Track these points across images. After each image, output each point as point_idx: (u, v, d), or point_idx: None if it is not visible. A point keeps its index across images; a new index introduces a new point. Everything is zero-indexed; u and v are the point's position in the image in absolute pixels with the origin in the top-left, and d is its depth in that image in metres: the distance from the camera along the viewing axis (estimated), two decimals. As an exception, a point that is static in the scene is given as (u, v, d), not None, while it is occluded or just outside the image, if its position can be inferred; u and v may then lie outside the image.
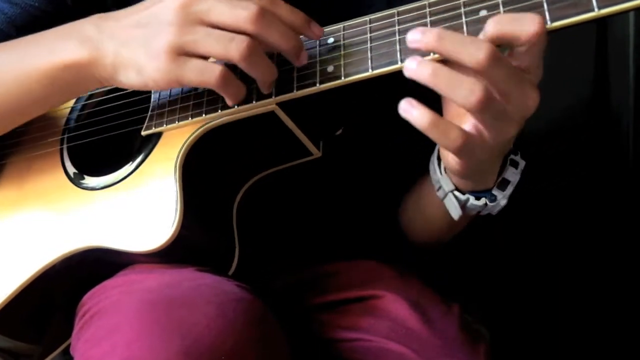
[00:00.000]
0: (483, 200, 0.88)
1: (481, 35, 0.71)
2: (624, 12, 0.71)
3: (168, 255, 0.90)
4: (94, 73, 0.87)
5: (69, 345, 0.99)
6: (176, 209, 0.88)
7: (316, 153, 0.94)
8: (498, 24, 0.70)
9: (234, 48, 0.79)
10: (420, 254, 1.14)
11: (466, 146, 0.73)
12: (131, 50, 0.83)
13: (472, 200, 0.88)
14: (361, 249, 1.11)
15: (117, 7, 1.02)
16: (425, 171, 0.95)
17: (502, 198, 0.88)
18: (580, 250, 1.49)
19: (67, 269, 0.97)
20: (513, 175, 0.87)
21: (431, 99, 0.75)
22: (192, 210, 0.89)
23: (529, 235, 1.51)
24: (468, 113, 0.73)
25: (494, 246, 1.39)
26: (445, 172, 0.89)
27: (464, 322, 1.02)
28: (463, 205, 0.89)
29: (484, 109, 0.70)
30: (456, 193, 0.89)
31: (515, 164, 0.88)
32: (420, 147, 0.91)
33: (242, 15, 0.79)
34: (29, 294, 0.98)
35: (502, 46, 0.72)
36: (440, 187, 0.91)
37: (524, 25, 0.69)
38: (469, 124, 0.76)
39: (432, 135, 0.72)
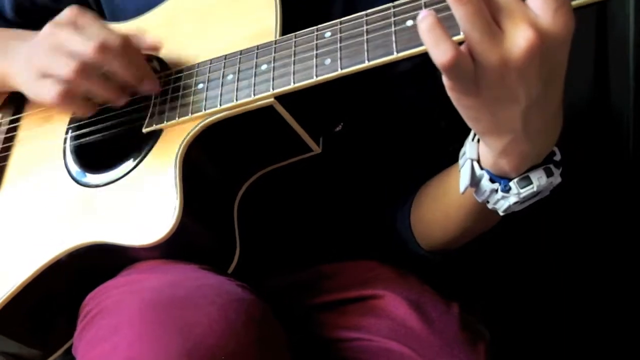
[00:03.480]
0: (495, 185, 0.83)
1: None
2: None
3: (168, 250, 0.90)
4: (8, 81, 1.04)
5: (71, 346, 0.99)
6: (176, 204, 0.88)
7: (316, 149, 0.95)
8: None
9: (65, 67, 0.92)
10: (421, 254, 1.13)
11: (456, 66, 0.69)
12: (21, 65, 1.00)
13: (485, 178, 0.83)
14: (361, 249, 1.11)
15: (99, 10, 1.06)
16: (426, 168, 0.94)
17: (515, 194, 0.82)
18: (580, 250, 1.49)
19: (69, 268, 0.97)
20: (539, 180, 0.82)
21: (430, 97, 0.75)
22: (193, 205, 0.89)
23: (529, 235, 1.50)
24: None
25: (494, 246, 1.38)
26: (478, 141, 0.85)
27: (464, 321, 1.02)
28: (477, 182, 0.84)
29: (453, 68, 0.68)
30: (475, 163, 0.84)
31: (549, 173, 0.83)
32: (426, 152, 0.91)
33: (86, 46, 0.92)
34: (31, 292, 0.98)
35: None
36: (464, 154, 0.86)
37: None
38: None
39: (426, 39, 0.69)
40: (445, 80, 0.72)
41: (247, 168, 0.98)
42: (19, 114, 1.11)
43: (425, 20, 0.69)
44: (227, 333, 0.78)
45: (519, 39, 0.68)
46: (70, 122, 1.05)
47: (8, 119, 1.11)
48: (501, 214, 0.86)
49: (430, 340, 0.98)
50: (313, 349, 1.01)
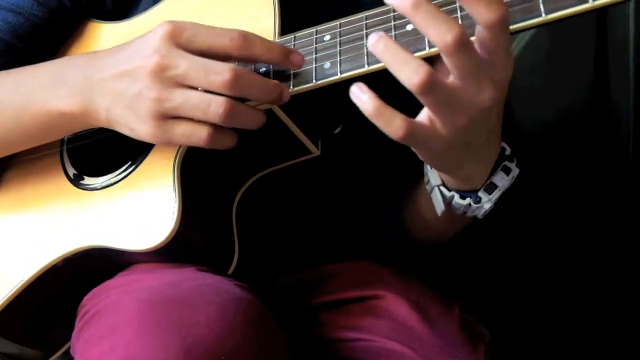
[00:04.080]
0: (467, 200, 0.88)
1: None
2: (619, 4, 0.71)
3: (167, 254, 0.90)
4: (89, 122, 0.91)
5: (69, 347, 0.99)
6: (174, 208, 0.88)
7: (315, 152, 0.94)
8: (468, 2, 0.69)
9: (213, 113, 0.82)
10: (419, 254, 1.13)
11: (412, 135, 0.73)
12: (120, 110, 0.86)
13: (456, 198, 0.88)
14: (362, 249, 1.11)
15: (116, 8, 1.02)
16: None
17: (487, 201, 0.88)
18: (580, 250, 1.49)
19: (68, 271, 0.97)
20: (502, 181, 0.87)
21: None
22: (191, 208, 0.89)
23: (529, 235, 1.50)
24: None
25: (494, 246, 1.38)
26: None
27: (464, 321, 1.02)
28: (448, 202, 0.89)
29: (425, 92, 0.70)
30: (442, 188, 0.89)
31: (507, 170, 0.88)
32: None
33: (217, 82, 0.81)
34: (30, 295, 0.98)
35: None
36: (428, 181, 0.91)
37: (488, 9, 0.68)
38: (423, 113, 0.76)
39: (377, 122, 0.72)
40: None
41: (245, 171, 0.98)
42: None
43: (368, 105, 0.73)
44: (225, 333, 0.78)
45: (484, 98, 0.73)
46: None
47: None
48: (480, 218, 0.91)
49: (431, 340, 0.98)
50: (313, 349, 1.01)
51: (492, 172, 0.87)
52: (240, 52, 0.83)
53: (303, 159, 0.96)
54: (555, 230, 1.50)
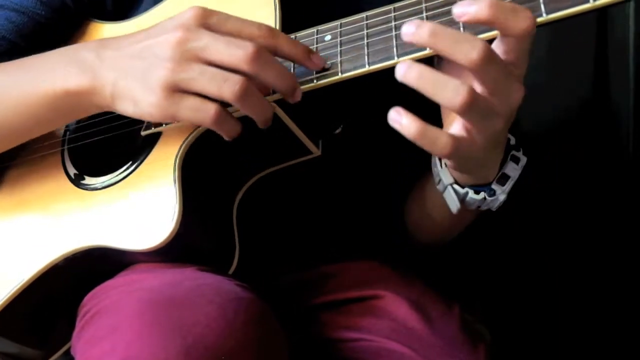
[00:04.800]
0: (482, 195, 0.88)
1: (473, 10, 0.69)
2: (620, 4, 0.72)
3: (168, 254, 0.90)
4: (94, 101, 0.88)
5: (70, 347, 1.00)
6: (175, 208, 0.88)
7: (315, 152, 0.95)
8: (493, 9, 0.69)
9: (228, 89, 0.80)
10: (420, 254, 1.14)
11: (456, 150, 0.73)
12: (129, 83, 0.84)
13: (471, 194, 0.88)
14: (362, 249, 1.11)
15: (116, 9, 1.03)
16: (428, 168, 0.95)
17: (501, 193, 0.88)
18: (580, 250, 1.49)
19: (68, 270, 0.97)
20: (513, 171, 0.87)
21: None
22: (192, 208, 0.89)
23: (529, 235, 1.50)
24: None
25: (494, 246, 1.39)
26: (445, 166, 0.89)
27: (464, 322, 1.02)
28: (462, 199, 0.89)
29: (469, 109, 0.70)
30: (455, 186, 0.89)
31: (516, 160, 0.88)
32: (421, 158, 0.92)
33: (238, 55, 0.79)
34: (30, 294, 0.98)
35: None
36: (440, 181, 0.90)
37: (518, 20, 0.69)
38: (457, 125, 0.77)
39: (421, 143, 0.72)
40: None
41: (246, 171, 0.98)
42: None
43: (411, 128, 0.71)
44: (226, 332, 0.77)
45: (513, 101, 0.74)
46: (69, 125, 1.05)
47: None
48: (494, 210, 0.91)
49: (431, 340, 0.98)
50: (313, 349, 1.01)
51: (502, 164, 0.87)
52: (267, 41, 0.82)
53: (304, 159, 0.96)
54: (555, 230, 1.50)
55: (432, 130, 0.72)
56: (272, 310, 0.87)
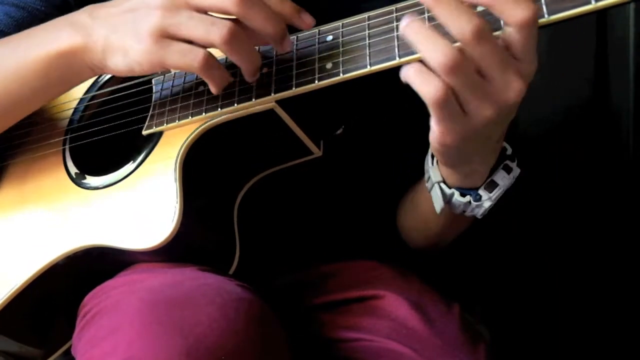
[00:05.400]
0: (467, 198, 0.89)
1: None
2: (621, 5, 0.72)
3: (168, 253, 0.90)
4: (86, 59, 0.88)
5: (70, 347, 1.00)
6: (176, 207, 0.88)
7: (317, 152, 0.94)
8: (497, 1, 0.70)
9: (216, 32, 0.79)
10: (421, 255, 1.14)
11: (443, 104, 0.73)
12: (120, 35, 0.84)
13: (457, 195, 0.89)
14: (361, 249, 1.11)
15: None
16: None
17: (487, 199, 0.89)
18: (580, 250, 1.49)
19: (69, 269, 0.97)
20: (503, 180, 0.88)
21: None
22: (193, 208, 0.89)
23: (529, 235, 1.51)
24: None
25: (494, 246, 1.39)
26: (436, 164, 0.90)
27: (464, 322, 1.02)
28: (448, 200, 0.90)
29: (453, 72, 0.70)
30: (442, 185, 0.90)
31: (508, 170, 0.89)
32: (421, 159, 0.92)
33: None
34: (31, 293, 0.98)
35: None
36: (429, 178, 0.92)
37: (517, 9, 0.70)
38: None
39: (414, 80, 0.72)
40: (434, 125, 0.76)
41: (247, 171, 0.98)
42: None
43: (410, 66, 0.72)
44: (227, 332, 0.78)
45: (512, 92, 0.74)
46: (70, 123, 1.05)
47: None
48: (479, 217, 0.92)
49: (431, 340, 0.98)
50: (313, 349, 1.01)
51: (493, 171, 0.88)
52: None
53: (305, 159, 0.96)
54: (555, 230, 1.50)
55: (428, 71, 0.72)
56: (272, 311, 0.87)
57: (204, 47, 0.82)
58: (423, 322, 1.00)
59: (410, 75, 0.72)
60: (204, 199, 0.94)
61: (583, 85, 1.48)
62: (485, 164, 0.87)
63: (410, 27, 0.71)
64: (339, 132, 0.99)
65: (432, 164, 0.91)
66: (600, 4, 0.71)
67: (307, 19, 0.85)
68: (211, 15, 0.81)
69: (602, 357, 1.49)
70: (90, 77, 0.94)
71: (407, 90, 0.73)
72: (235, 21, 0.81)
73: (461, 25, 0.70)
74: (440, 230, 1.05)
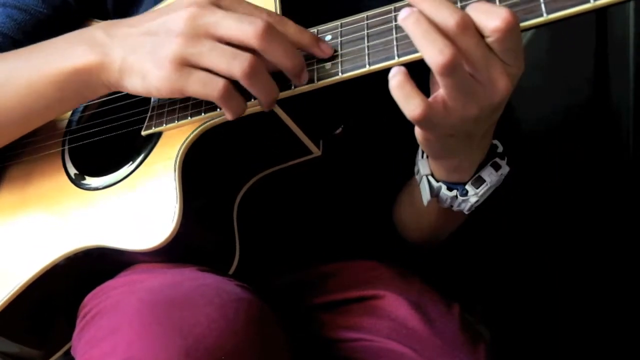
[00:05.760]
0: (454, 192, 0.90)
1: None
2: (620, 4, 0.72)
3: (168, 254, 0.90)
4: (102, 78, 0.88)
5: (70, 348, 1.00)
6: (175, 208, 0.88)
7: (316, 152, 0.95)
8: (472, 11, 0.72)
9: (237, 65, 0.80)
10: (420, 254, 1.14)
11: (426, 118, 0.74)
12: (138, 57, 0.84)
13: (444, 189, 0.91)
14: (361, 249, 1.11)
15: (116, 9, 1.03)
16: None
17: (473, 195, 0.90)
18: (580, 250, 1.49)
19: (69, 270, 0.97)
20: (490, 176, 0.89)
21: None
22: (192, 209, 0.89)
23: (529, 235, 1.51)
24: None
25: (494, 246, 1.39)
26: (426, 157, 0.92)
27: (464, 322, 1.02)
28: (436, 193, 0.91)
29: (449, 72, 0.71)
30: (430, 178, 0.91)
31: (497, 167, 0.89)
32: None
33: (248, 30, 0.80)
34: (30, 294, 0.98)
35: None
36: (418, 171, 0.93)
37: (490, 20, 0.71)
38: (435, 95, 0.77)
39: (397, 96, 0.74)
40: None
41: (246, 171, 0.98)
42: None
43: (395, 77, 0.73)
44: (226, 333, 0.78)
45: (498, 89, 0.74)
46: (69, 124, 1.05)
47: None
48: (466, 212, 0.93)
49: (431, 340, 0.98)
50: (313, 349, 1.01)
51: (482, 167, 0.89)
52: (278, 26, 0.82)
53: (304, 159, 0.96)
54: (555, 230, 1.50)
55: (411, 88, 0.73)
56: (272, 311, 0.87)
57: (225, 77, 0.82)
58: (423, 322, 1.00)
59: (394, 89, 0.74)
60: (204, 199, 0.94)
61: (583, 85, 1.48)
62: (470, 160, 0.88)
63: (411, 17, 0.72)
64: (338, 131, 0.99)
65: (422, 157, 0.92)
66: (598, 3, 0.71)
67: (327, 49, 0.85)
68: (232, 46, 0.81)
69: (602, 357, 1.49)
70: (105, 93, 0.93)
71: None
72: (256, 53, 0.81)
73: (445, 17, 0.71)
74: (433, 225, 1.05)
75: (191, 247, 0.93)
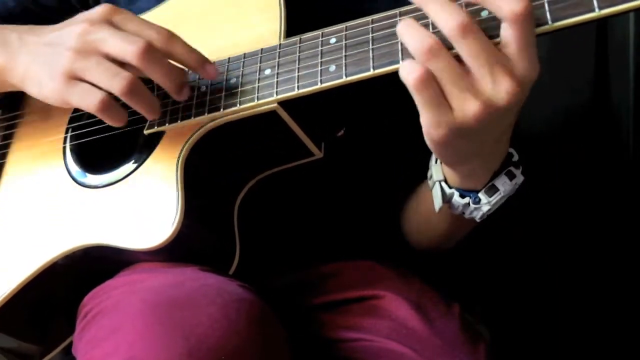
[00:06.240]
0: (467, 199, 0.89)
1: None
2: (625, 13, 0.73)
3: (169, 253, 0.90)
4: (7, 78, 0.94)
5: (69, 345, 1.00)
6: (177, 208, 0.88)
7: (317, 154, 0.95)
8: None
9: (117, 82, 0.85)
10: (420, 254, 1.14)
11: (422, 87, 0.73)
12: (38, 67, 0.90)
13: (456, 196, 0.90)
14: (361, 249, 1.11)
15: None
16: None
17: (486, 203, 0.89)
18: (580, 250, 1.49)
19: (69, 268, 0.97)
20: (504, 185, 0.88)
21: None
22: (193, 208, 0.89)
23: (529, 235, 1.51)
24: None
25: (493, 246, 1.39)
26: (440, 163, 0.91)
27: (464, 321, 1.02)
28: (448, 199, 0.91)
29: (429, 58, 0.72)
30: (443, 184, 0.90)
31: (511, 176, 0.88)
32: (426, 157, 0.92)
33: (129, 50, 0.84)
34: (30, 291, 0.98)
35: None
36: (431, 176, 0.92)
37: (510, 1, 0.70)
38: None
39: (404, 37, 0.75)
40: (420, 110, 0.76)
41: (248, 172, 0.98)
42: (17, 110, 1.11)
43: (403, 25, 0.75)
44: (228, 333, 0.78)
45: (501, 92, 0.73)
46: (71, 121, 1.05)
47: (6, 116, 1.11)
48: (478, 220, 0.92)
49: (431, 340, 0.98)
50: (313, 349, 1.01)
51: (496, 175, 0.88)
52: (162, 43, 0.87)
53: (306, 160, 0.96)
54: (555, 230, 1.50)
55: (419, 28, 0.74)
56: (272, 311, 0.87)
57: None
58: (423, 322, 1.00)
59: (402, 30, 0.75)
60: (205, 199, 0.94)
61: (583, 86, 1.48)
62: (484, 167, 0.87)
63: (401, 25, 0.75)
64: (340, 134, 0.99)
65: (436, 162, 0.91)
66: (604, 12, 0.71)
67: (211, 70, 0.89)
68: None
69: (602, 357, 1.49)
70: (14, 90, 0.97)
71: (408, 92, 0.73)
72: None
73: (445, 18, 0.72)
74: (443, 232, 1.05)
75: (192, 247, 0.93)
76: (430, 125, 0.76)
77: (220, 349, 0.76)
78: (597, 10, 0.71)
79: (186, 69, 0.89)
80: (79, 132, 1.03)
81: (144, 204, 0.92)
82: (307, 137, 0.92)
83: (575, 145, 1.49)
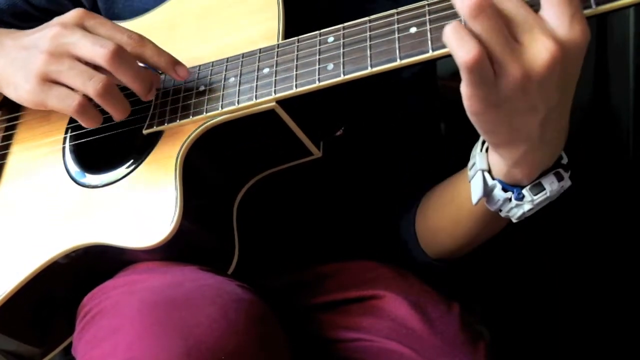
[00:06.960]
0: (509, 194, 0.83)
1: None
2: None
3: (167, 252, 0.90)
4: None
5: (69, 345, 1.00)
6: (176, 207, 0.88)
7: (316, 153, 0.95)
8: None
9: (91, 85, 0.87)
10: (427, 261, 1.12)
11: (480, 65, 0.68)
12: (13, 70, 0.93)
13: (498, 188, 0.84)
14: (361, 249, 1.11)
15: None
16: (439, 167, 0.93)
17: (529, 201, 0.83)
18: (580, 250, 1.49)
19: (68, 268, 0.97)
20: (551, 185, 0.82)
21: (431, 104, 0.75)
22: (192, 208, 0.89)
23: (528, 235, 1.50)
24: None
25: (493, 246, 1.39)
26: (485, 151, 0.85)
27: (464, 321, 1.02)
28: (489, 191, 0.85)
29: (477, 17, 0.67)
30: (486, 174, 0.84)
31: (560, 177, 0.83)
32: (429, 158, 0.91)
33: (99, 53, 0.87)
34: (29, 291, 0.98)
35: None
36: (473, 165, 0.86)
37: None
38: None
39: (449, 40, 0.69)
40: (464, 88, 0.71)
41: (247, 171, 0.98)
42: (17, 111, 1.11)
43: (450, 24, 0.69)
44: (227, 333, 0.78)
45: (540, 51, 0.68)
46: (70, 121, 1.05)
47: (6, 117, 1.11)
48: (515, 221, 0.87)
49: (431, 340, 0.98)
50: (313, 349, 1.01)
51: (544, 174, 0.82)
52: (132, 47, 0.89)
53: (305, 160, 0.96)
54: (555, 230, 1.50)
55: (466, 32, 0.69)
56: (272, 311, 0.87)
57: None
58: (423, 322, 1.00)
59: (447, 34, 0.69)
60: (204, 198, 0.94)
61: (583, 86, 1.48)
62: (534, 157, 0.80)
63: (449, 27, 0.69)
64: (339, 133, 0.99)
65: (481, 150, 0.86)
66: (600, 8, 0.71)
67: (182, 72, 0.92)
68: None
69: (602, 357, 1.49)
70: None
71: (409, 91, 0.73)
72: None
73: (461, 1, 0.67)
74: (470, 231, 0.99)
75: (190, 246, 0.93)
76: (470, 96, 0.71)
77: (219, 349, 0.76)
78: (593, 6, 0.71)
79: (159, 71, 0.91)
80: (78, 132, 1.03)
81: (143, 203, 0.92)
82: (305, 136, 0.92)
83: (575, 146, 1.49)
